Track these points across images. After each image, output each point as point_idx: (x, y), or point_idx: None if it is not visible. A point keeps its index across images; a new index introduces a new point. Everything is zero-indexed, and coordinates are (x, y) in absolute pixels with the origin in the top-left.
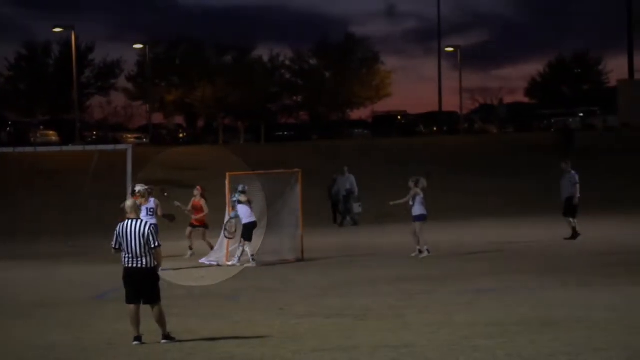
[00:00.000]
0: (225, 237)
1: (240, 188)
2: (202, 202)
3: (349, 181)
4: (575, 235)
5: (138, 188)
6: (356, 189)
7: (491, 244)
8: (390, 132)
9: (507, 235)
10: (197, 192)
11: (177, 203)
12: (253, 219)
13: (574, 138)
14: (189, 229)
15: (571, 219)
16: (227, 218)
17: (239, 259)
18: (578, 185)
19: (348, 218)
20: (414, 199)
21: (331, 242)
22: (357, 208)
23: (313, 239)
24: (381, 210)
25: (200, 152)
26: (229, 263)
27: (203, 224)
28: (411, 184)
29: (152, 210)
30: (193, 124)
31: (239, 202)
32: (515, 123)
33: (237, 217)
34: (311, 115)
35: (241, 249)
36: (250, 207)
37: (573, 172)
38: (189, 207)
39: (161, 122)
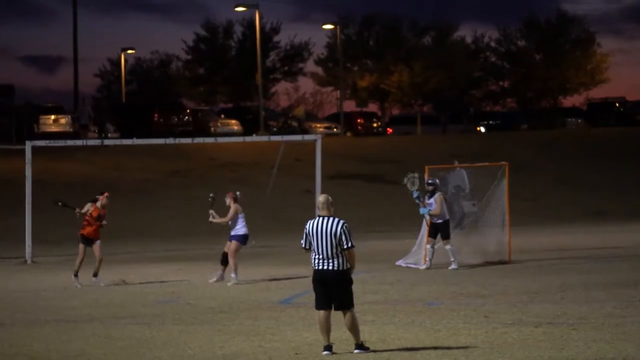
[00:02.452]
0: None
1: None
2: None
3: (459, 176)
4: None
5: None
6: (467, 186)
7: None
8: (607, 121)
9: None
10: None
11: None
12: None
13: None
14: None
15: None
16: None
17: (431, 262)
18: None
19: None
20: None
21: (540, 243)
22: (469, 207)
23: (520, 239)
24: (598, 207)
25: (396, 142)
26: (423, 267)
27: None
28: None
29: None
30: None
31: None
32: None
33: (427, 213)
34: (519, 103)
35: (431, 250)
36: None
37: None
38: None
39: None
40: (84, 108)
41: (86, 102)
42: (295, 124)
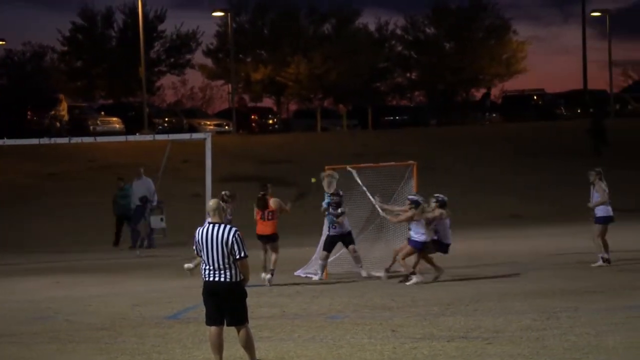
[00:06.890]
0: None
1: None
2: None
3: (145, 186)
4: None
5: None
6: (155, 197)
7: None
8: (524, 115)
9: None
10: None
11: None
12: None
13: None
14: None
15: None
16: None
17: (322, 273)
18: None
19: (146, 239)
20: None
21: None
22: (157, 222)
23: None
24: (514, 209)
25: (295, 141)
26: (316, 277)
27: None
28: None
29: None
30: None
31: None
32: None
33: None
34: (428, 96)
35: (321, 262)
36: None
37: None
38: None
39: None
40: None
41: None
42: (58, 124)
